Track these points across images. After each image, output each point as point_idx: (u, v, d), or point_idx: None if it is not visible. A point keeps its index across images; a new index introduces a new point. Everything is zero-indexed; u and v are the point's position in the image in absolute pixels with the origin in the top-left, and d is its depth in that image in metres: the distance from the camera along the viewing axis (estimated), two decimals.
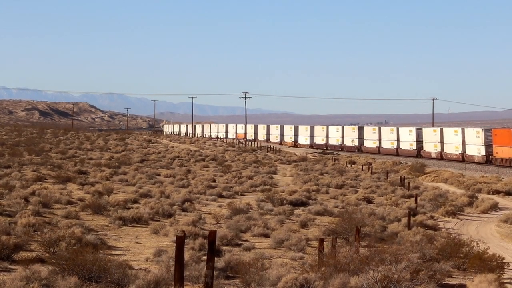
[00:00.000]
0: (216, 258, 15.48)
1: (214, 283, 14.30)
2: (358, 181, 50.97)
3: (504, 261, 19.40)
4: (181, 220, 25.99)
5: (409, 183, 46.98)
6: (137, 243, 21.81)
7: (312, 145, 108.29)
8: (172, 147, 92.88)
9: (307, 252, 20.98)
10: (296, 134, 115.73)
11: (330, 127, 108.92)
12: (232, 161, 67.83)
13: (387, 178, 52.69)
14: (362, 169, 63.94)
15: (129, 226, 24.97)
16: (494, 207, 37.02)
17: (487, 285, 15.95)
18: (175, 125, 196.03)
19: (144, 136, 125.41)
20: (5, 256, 17.26)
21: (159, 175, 48.05)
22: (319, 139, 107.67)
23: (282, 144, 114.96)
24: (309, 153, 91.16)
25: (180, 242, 13.75)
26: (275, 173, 57.12)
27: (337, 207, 34.19)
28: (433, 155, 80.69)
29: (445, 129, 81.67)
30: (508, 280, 18.28)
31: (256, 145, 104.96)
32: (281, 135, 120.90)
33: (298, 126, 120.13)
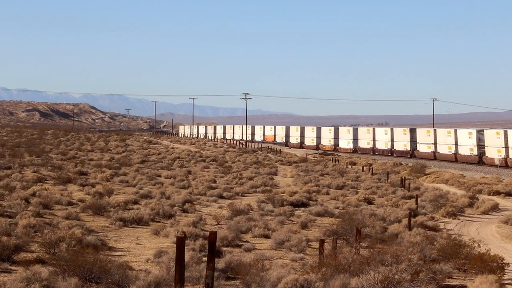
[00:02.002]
0: (216, 259, 15.49)
1: (214, 284, 14.30)
2: (359, 182, 50.98)
3: (504, 262, 19.40)
4: (182, 221, 25.99)
5: (409, 184, 46.98)
6: (138, 244, 21.82)
7: (356, 149, 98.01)
8: (173, 148, 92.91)
9: (308, 253, 20.97)
10: (336, 137, 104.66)
11: (377, 128, 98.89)
12: (233, 162, 67.84)
13: (387, 179, 52.69)
14: (363, 170, 63.97)
15: (130, 227, 24.98)
16: (495, 208, 37.03)
17: (488, 286, 15.95)
18: (192, 126, 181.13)
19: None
20: (6, 257, 17.26)
21: (159, 176, 48.06)
22: (364, 143, 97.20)
23: (320, 149, 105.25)
24: (309, 154, 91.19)
25: (180, 243, 13.76)
26: (275, 174, 57.11)
27: (337, 208, 34.19)
28: (496, 162, 70.04)
29: (510, 131, 70.07)
30: (509, 281, 18.27)
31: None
32: (319, 137, 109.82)
33: (338, 128, 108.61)
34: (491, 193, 45.42)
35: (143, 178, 44.07)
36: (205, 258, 16.36)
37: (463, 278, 18.64)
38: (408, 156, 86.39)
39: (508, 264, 19.83)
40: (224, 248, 20.53)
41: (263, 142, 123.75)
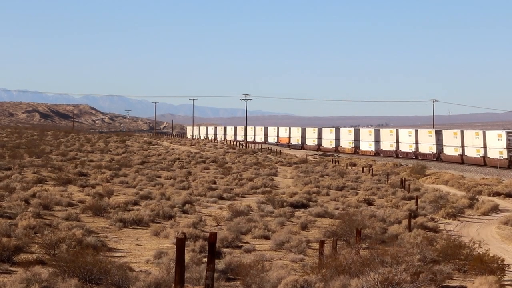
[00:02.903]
0: (216, 260, 15.49)
1: (214, 285, 14.30)
2: (359, 183, 50.98)
3: (504, 263, 19.41)
4: (182, 222, 25.99)
5: (409, 185, 46.98)
6: (138, 245, 21.82)
7: (378, 152, 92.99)
8: (173, 149, 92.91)
9: (308, 254, 20.98)
10: (356, 139, 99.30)
11: (400, 130, 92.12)
12: (233, 163, 67.84)
13: (387, 180, 52.70)
14: (363, 171, 63.97)
15: (130, 228, 24.98)
16: (495, 209, 37.05)
17: (488, 287, 15.94)
18: (200, 127, 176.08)
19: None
20: (6, 258, 17.25)
21: (159, 177, 48.06)
22: (387, 145, 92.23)
23: (339, 151, 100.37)
24: (309, 155, 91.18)
25: (180, 244, 13.76)
26: (275, 175, 57.11)
27: (337, 209, 34.19)
28: None
29: None
30: (509, 282, 18.26)
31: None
32: (337, 139, 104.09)
33: (358, 129, 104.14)
34: (491, 194, 45.43)
35: (143, 179, 44.07)
36: (205, 259, 16.36)
37: (463, 279, 18.64)
38: (434, 159, 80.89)
39: (508, 265, 19.82)
40: (224, 249, 20.54)
41: (277, 145, 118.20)
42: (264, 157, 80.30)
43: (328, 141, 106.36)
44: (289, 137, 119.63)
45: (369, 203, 37.31)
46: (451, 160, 77.98)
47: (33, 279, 14.39)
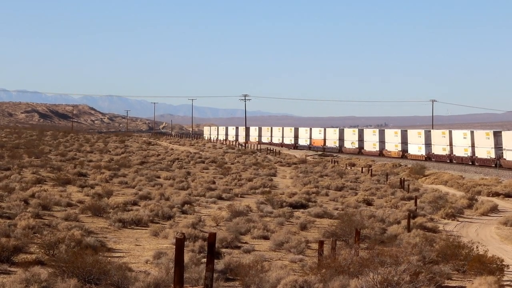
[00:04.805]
0: (215, 260, 15.49)
1: (214, 285, 14.30)
2: (358, 183, 50.99)
3: (503, 263, 19.40)
4: (181, 222, 26.00)
5: (408, 185, 47.00)
6: (137, 245, 21.81)
7: (429, 156, 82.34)
8: (172, 149, 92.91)
9: (307, 254, 20.98)
10: (404, 142, 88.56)
11: (454, 131, 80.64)
12: (232, 163, 67.84)
13: (387, 180, 52.70)
14: (362, 172, 63.97)
15: (129, 228, 24.97)
16: (494, 209, 37.05)
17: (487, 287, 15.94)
18: (219, 127, 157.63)
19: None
20: (5, 258, 17.25)
21: (158, 177, 48.07)
22: (439, 148, 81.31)
23: (383, 155, 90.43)
24: (308, 155, 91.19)
25: (179, 244, 13.75)
26: (274, 175, 57.12)
27: (336, 209, 34.20)
28: None
29: None
30: (508, 283, 18.27)
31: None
32: (382, 142, 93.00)
33: (406, 131, 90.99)
34: (490, 195, 45.42)
35: (143, 179, 44.07)
36: (204, 260, 16.36)
37: (462, 279, 18.64)
38: (493, 165, 69.73)
39: (507, 265, 19.83)
40: (224, 250, 20.54)
41: (310, 148, 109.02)
42: (263, 158, 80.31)
43: (371, 144, 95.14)
44: (324, 139, 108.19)
45: (368, 203, 37.32)
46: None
47: (32, 279, 14.39)
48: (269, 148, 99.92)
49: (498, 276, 17.82)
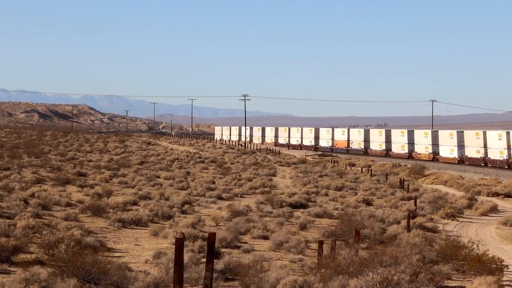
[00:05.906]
0: (215, 260, 15.48)
1: (213, 285, 14.29)
2: (358, 183, 50.99)
3: (503, 263, 19.40)
4: (181, 222, 25.99)
5: (408, 185, 47.01)
6: (137, 245, 21.81)
7: (462, 159, 76.99)
8: (172, 149, 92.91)
9: (307, 254, 20.97)
10: (434, 143, 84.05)
11: (489, 132, 75.48)
12: (232, 163, 67.84)
13: (386, 181, 52.71)
14: (362, 172, 63.98)
15: (129, 228, 24.97)
16: (494, 209, 37.06)
17: None
18: (232, 127, 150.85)
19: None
20: (5, 258, 17.23)
21: (158, 177, 48.06)
22: (473, 151, 75.76)
23: (413, 158, 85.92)
24: (308, 155, 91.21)
25: (179, 244, 13.74)
26: (274, 175, 57.12)
27: (336, 209, 34.19)
28: None
29: None
30: (508, 283, 18.28)
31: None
32: (411, 144, 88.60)
33: (437, 131, 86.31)
34: (490, 195, 45.44)
35: (142, 179, 44.08)
36: (204, 259, 16.34)
37: (462, 279, 18.64)
38: None
39: (507, 265, 19.83)
40: (223, 249, 20.54)
41: (332, 149, 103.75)
42: (263, 157, 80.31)
43: (399, 145, 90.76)
44: (348, 140, 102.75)
45: (368, 203, 37.33)
46: None
47: (32, 279, 14.38)
48: (269, 148, 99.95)
49: (498, 276, 17.83)
